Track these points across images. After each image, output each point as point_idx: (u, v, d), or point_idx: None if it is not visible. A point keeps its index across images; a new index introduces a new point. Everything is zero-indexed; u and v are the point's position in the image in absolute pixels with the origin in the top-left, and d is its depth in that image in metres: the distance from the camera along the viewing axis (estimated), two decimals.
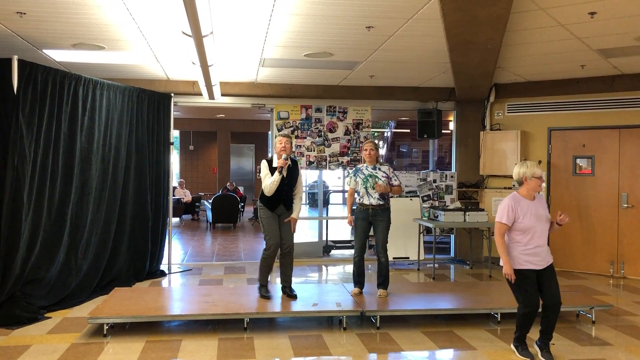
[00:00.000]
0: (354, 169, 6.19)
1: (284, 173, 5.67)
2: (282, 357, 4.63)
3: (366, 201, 5.94)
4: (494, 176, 8.94)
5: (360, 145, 9.11)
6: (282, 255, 5.85)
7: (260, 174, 5.82)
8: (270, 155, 5.88)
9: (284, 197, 5.76)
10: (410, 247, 8.78)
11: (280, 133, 5.84)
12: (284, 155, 5.64)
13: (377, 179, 5.89)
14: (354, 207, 6.24)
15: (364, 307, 5.51)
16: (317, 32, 5.86)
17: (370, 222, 5.96)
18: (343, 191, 20.55)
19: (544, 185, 8.54)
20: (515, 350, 4.66)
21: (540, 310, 4.53)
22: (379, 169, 5.97)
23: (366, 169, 6.01)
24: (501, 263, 4.50)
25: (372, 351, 4.79)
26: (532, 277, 4.44)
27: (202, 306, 5.53)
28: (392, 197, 6.10)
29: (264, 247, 5.82)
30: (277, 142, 5.77)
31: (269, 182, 5.63)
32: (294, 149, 8.90)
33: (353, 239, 6.25)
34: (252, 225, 14.56)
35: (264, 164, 5.78)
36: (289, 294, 5.81)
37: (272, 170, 5.70)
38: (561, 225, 4.57)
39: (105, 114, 6.75)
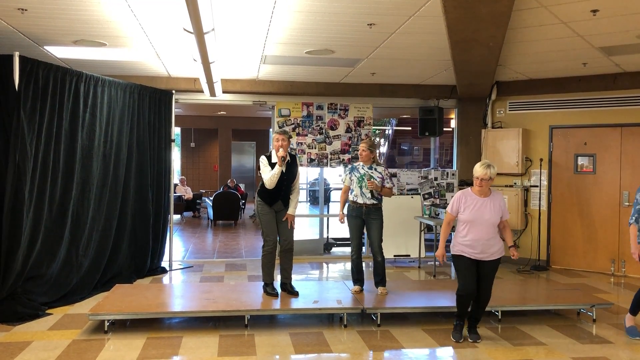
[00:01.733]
0: (349, 166, 6.21)
1: (283, 168, 5.68)
2: (282, 354, 4.64)
3: (360, 200, 5.96)
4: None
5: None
6: (281, 252, 5.85)
7: (260, 170, 5.83)
8: (269, 151, 5.88)
9: (283, 193, 5.77)
10: (411, 245, 8.78)
11: (277, 130, 5.83)
12: (281, 150, 5.65)
13: (372, 178, 5.91)
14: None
15: (365, 304, 5.51)
16: (319, 29, 5.85)
17: (364, 220, 5.98)
18: None
19: (544, 186, 8.55)
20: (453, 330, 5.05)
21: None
22: (375, 169, 6.00)
23: (362, 167, 6.03)
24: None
25: (372, 348, 4.79)
26: (468, 262, 4.81)
27: (202, 303, 5.53)
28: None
29: (263, 244, 5.83)
30: (274, 140, 5.77)
31: (269, 175, 5.64)
32: (294, 147, 8.90)
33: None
34: (253, 223, 14.56)
35: (263, 159, 5.79)
36: (290, 290, 5.81)
37: (272, 165, 5.71)
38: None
39: (107, 110, 6.75)
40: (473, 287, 4.82)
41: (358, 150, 6.16)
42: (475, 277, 4.84)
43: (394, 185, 6.14)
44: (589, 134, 8.32)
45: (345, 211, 6.27)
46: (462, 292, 4.84)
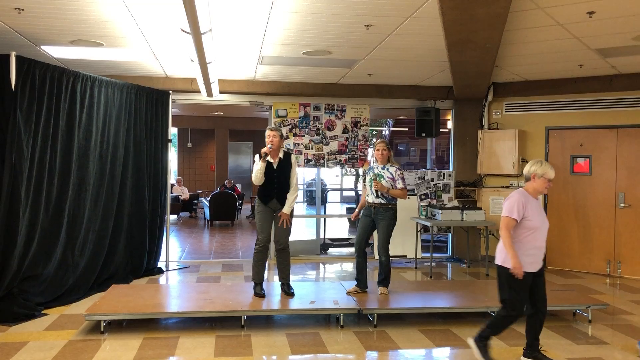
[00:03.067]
0: (369, 167, 6.23)
1: (272, 160, 5.66)
2: (279, 355, 4.64)
3: (370, 199, 5.97)
4: (492, 175, 8.95)
5: (359, 143, 9.12)
6: (277, 252, 5.86)
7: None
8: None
9: (276, 191, 5.75)
10: (408, 246, 8.79)
11: (269, 127, 5.81)
12: (269, 145, 5.62)
13: (381, 178, 5.91)
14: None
15: (361, 305, 5.51)
16: (316, 30, 5.86)
17: (373, 220, 5.98)
18: (341, 189, 20.57)
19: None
20: (477, 348, 4.31)
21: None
22: (387, 169, 5.99)
23: (377, 167, 6.04)
24: (498, 261, 4.31)
25: (369, 349, 4.80)
26: (529, 281, 4.24)
27: (199, 303, 5.53)
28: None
29: (255, 242, 5.83)
30: (265, 136, 5.75)
31: (254, 171, 5.66)
32: (291, 147, 8.90)
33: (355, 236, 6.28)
34: (249, 223, 14.56)
35: (257, 156, 5.79)
36: (287, 291, 5.81)
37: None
38: None
39: (103, 110, 6.74)
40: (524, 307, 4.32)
41: (376, 151, 6.06)
42: None
43: (406, 186, 6.04)
44: (585, 135, 8.34)
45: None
46: (518, 312, 4.27)
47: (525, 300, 4.28)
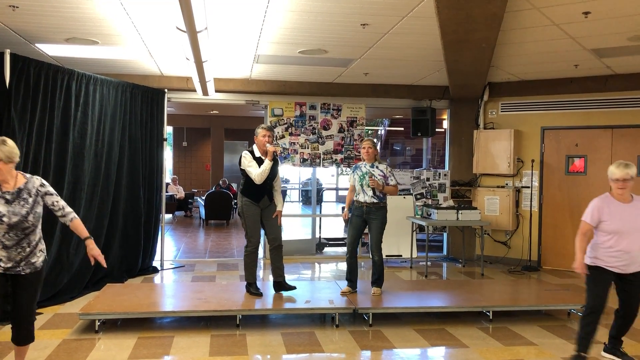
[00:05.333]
0: (354, 166, 6.22)
1: (269, 159, 5.66)
2: (274, 354, 4.63)
3: (361, 198, 5.94)
4: (487, 175, 8.97)
5: (355, 143, 9.12)
6: (271, 250, 5.85)
7: (243, 165, 5.73)
8: (250, 147, 5.88)
9: (268, 188, 5.78)
10: (403, 245, 8.80)
11: (264, 126, 5.79)
12: (268, 145, 5.63)
13: (373, 176, 5.91)
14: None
15: (357, 304, 5.51)
16: (312, 29, 5.85)
17: (365, 219, 5.97)
18: (337, 189, 20.55)
19: (535, 187, 8.60)
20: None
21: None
22: (377, 167, 6.00)
23: (364, 166, 6.03)
24: None
25: (364, 348, 4.80)
26: (605, 277, 4.46)
27: (194, 302, 5.52)
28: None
29: (246, 244, 5.81)
30: (260, 135, 5.72)
31: (259, 170, 5.61)
32: (287, 146, 8.90)
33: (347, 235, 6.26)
34: None
35: (247, 154, 5.75)
36: (287, 287, 5.81)
37: (255, 160, 5.70)
38: None
39: (99, 109, 6.72)
40: (604, 306, 4.36)
41: (362, 149, 6.06)
42: (608, 293, 4.36)
43: (398, 183, 6.10)
44: (580, 135, 8.36)
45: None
46: (592, 313, 4.33)
47: (602, 300, 4.42)
